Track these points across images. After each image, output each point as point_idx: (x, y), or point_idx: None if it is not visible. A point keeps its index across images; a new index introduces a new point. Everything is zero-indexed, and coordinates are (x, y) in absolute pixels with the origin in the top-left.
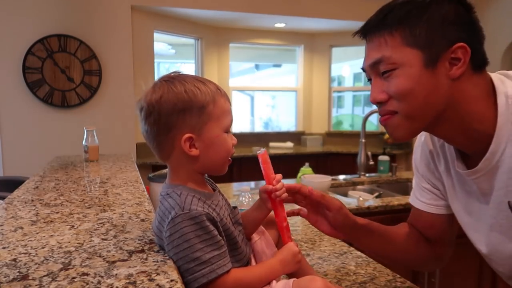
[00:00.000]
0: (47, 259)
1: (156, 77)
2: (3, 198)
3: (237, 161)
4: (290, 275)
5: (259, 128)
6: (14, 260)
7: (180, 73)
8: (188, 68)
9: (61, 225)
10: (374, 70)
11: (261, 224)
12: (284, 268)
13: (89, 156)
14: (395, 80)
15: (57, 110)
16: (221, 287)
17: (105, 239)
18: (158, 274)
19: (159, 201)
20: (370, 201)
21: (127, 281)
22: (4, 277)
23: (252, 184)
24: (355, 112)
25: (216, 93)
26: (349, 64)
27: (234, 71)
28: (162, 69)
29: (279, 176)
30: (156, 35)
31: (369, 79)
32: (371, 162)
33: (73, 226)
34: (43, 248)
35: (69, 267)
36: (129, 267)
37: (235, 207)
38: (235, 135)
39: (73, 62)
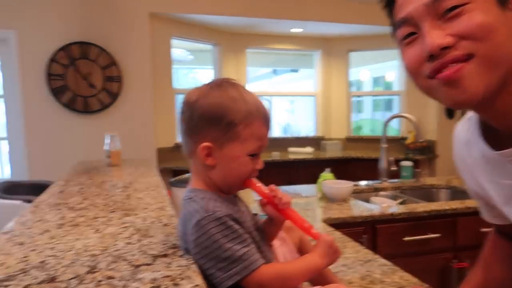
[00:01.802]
0: (74, 262)
1: (174, 83)
2: (30, 201)
3: None
4: (314, 283)
5: (277, 133)
6: (43, 262)
7: (233, 82)
8: (206, 74)
9: (86, 229)
10: (431, 11)
11: (278, 234)
12: (323, 260)
13: (112, 161)
14: (470, 15)
15: (79, 116)
16: (256, 282)
17: (129, 243)
18: (182, 279)
19: (182, 206)
20: (394, 207)
21: (152, 285)
22: (34, 279)
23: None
24: (375, 117)
25: (253, 114)
26: (367, 68)
27: (252, 76)
28: (180, 75)
29: (271, 186)
30: (174, 42)
31: (409, 34)
32: (394, 168)
33: (98, 230)
34: (69, 251)
35: (95, 270)
36: (154, 271)
37: (255, 214)
38: None
39: (94, 69)
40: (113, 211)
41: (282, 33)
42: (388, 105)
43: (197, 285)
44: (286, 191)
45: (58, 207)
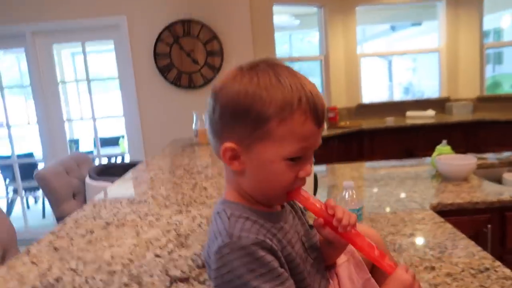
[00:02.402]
0: (87, 282)
1: (277, 52)
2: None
3: (368, 135)
4: None
5: (398, 95)
6: (57, 279)
7: (272, 62)
8: (313, 37)
9: (128, 231)
10: None
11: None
12: None
13: (199, 140)
14: None
15: (184, 92)
16: None
17: (158, 256)
18: None
19: (211, 220)
20: None
21: None
22: None
23: (392, 163)
24: None
25: (292, 105)
26: (510, 12)
27: (368, 34)
28: (294, 40)
29: (329, 202)
30: (279, 8)
31: None
32: None
33: (138, 233)
34: (94, 263)
35: None
36: None
37: (311, 226)
38: (367, 105)
39: (197, 45)
40: (168, 207)
41: None
42: None
43: None
44: (396, 165)
45: (120, 199)
